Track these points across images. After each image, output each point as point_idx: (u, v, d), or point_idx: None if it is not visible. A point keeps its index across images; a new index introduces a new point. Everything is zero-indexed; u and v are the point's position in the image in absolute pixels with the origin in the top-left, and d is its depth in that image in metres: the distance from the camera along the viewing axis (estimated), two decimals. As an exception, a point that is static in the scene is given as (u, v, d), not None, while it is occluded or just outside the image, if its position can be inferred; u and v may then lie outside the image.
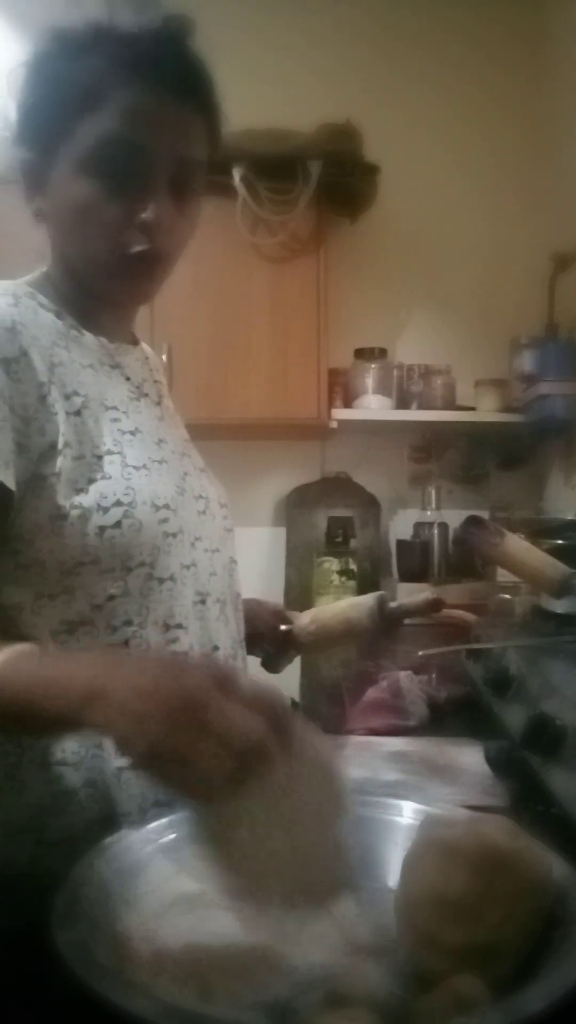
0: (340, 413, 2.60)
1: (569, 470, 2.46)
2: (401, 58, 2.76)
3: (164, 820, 0.71)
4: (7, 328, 0.81)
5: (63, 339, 0.87)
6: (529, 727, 0.99)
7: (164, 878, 0.63)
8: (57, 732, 0.78)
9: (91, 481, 0.83)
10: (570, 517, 2.09)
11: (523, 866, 0.57)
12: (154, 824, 0.70)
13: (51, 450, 0.81)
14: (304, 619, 1.17)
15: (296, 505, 2.83)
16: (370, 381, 2.64)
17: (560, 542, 1.61)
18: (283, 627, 1.17)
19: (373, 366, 2.64)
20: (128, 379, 0.95)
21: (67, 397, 0.84)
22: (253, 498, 2.78)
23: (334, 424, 2.58)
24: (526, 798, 0.91)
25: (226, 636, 0.99)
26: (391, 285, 2.79)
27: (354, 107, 2.56)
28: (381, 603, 1.13)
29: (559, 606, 1.53)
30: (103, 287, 0.90)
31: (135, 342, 1.01)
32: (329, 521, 2.69)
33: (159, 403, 1.00)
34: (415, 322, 2.82)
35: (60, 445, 0.82)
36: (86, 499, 0.82)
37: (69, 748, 0.85)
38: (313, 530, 2.77)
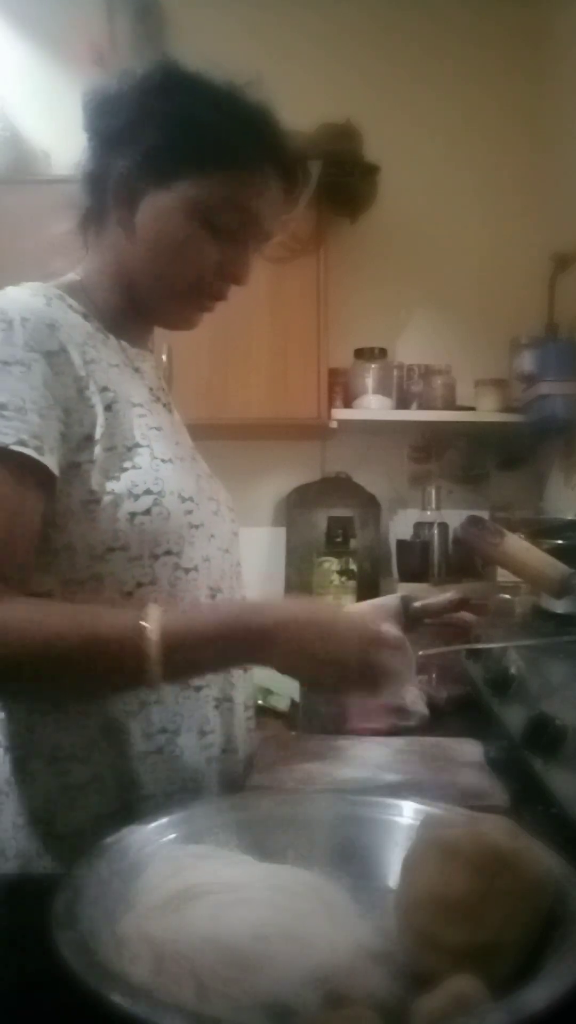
0: (340, 413, 2.60)
1: (569, 470, 2.46)
2: (401, 58, 2.76)
3: (164, 820, 0.71)
4: (47, 324, 0.84)
5: (91, 339, 0.91)
6: (529, 727, 0.99)
7: (164, 878, 0.63)
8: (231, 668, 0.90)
9: (123, 470, 0.87)
10: (570, 517, 2.09)
11: (523, 866, 0.57)
12: (154, 824, 0.70)
13: (87, 440, 0.86)
14: None
15: (296, 505, 2.83)
16: (370, 381, 2.64)
17: (560, 542, 1.61)
18: None
19: (373, 366, 2.64)
20: (145, 383, 0.99)
21: (101, 391, 0.88)
22: (253, 498, 2.78)
23: (334, 424, 2.58)
24: (526, 798, 0.91)
25: None
26: (391, 285, 2.79)
27: (354, 107, 2.56)
28: (406, 604, 1.15)
29: (559, 606, 1.53)
30: (165, 310, 0.97)
31: (150, 350, 1.05)
32: (329, 521, 2.69)
33: (170, 408, 1.04)
34: (415, 322, 2.82)
35: (96, 436, 0.86)
36: (118, 486, 0.86)
37: (76, 743, 0.87)
38: (313, 530, 2.77)
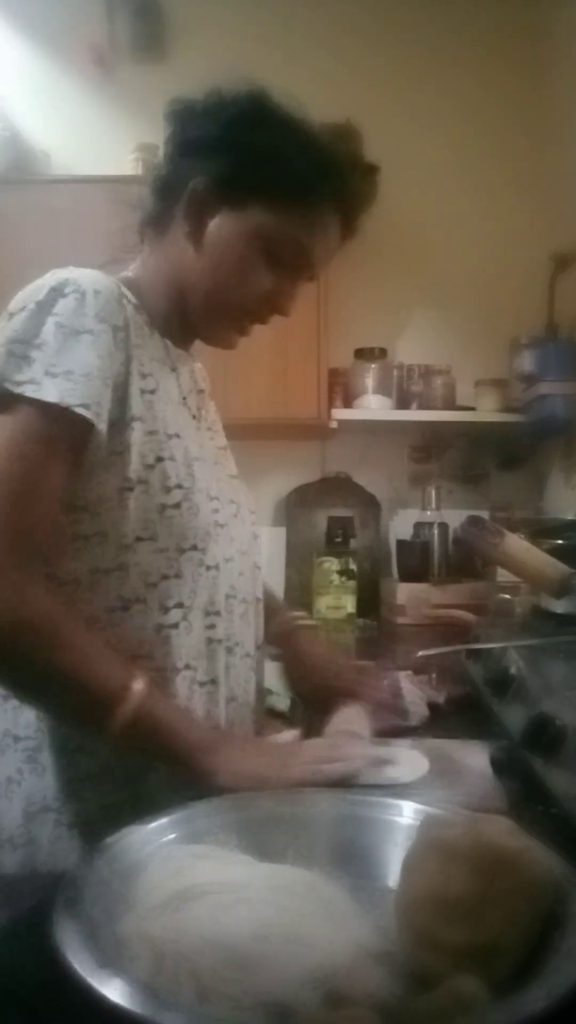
0: (340, 413, 2.60)
1: (569, 470, 2.46)
2: (401, 58, 2.76)
3: (164, 820, 0.71)
4: (116, 299, 0.88)
5: (141, 329, 0.94)
6: (529, 727, 0.99)
7: (164, 878, 0.63)
8: (170, 764, 0.88)
9: (159, 459, 0.90)
10: (570, 517, 2.09)
11: (523, 866, 0.57)
12: (154, 824, 0.70)
13: (120, 420, 0.88)
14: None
15: (296, 505, 2.83)
16: (370, 381, 2.64)
17: (560, 542, 1.61)
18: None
19: (373, 366, 2.64)
20: (179, 386, 1.01)
21: (143, 376, 0.91)
22: (253, 498, 2.77)
23: (334, 424, 2.58)
24: (526, 798, 0.91)
25: (248, 637, 1.04)
26: (391, 285, 2.79)
27: (354, 106, 2.56)
28: None
29: (559, 606, 1.53)
30: (209, 325, 1.00)
31: (191, 355, 1.08)
32: (329, 521, 2.69)
33: (198, 416, 1.05)
34: (415, 322, 2.83)
35: (128, 418, 0.88)
36: (153, 476, 0.89)
37: (87, 737, 0.89)
38: (313, 530, 2.77)
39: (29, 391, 0.81)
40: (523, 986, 0.50)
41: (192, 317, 0.99)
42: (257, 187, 0.92)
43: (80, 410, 0.81)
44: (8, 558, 0.79)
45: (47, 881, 0.59)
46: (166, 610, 0.91)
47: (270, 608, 1.16)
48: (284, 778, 0.80)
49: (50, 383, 0.81)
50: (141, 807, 0.85)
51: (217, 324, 1.00)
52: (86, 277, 0.87)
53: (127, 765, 0.90)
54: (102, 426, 0.84)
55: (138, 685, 0.82)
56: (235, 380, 2.45)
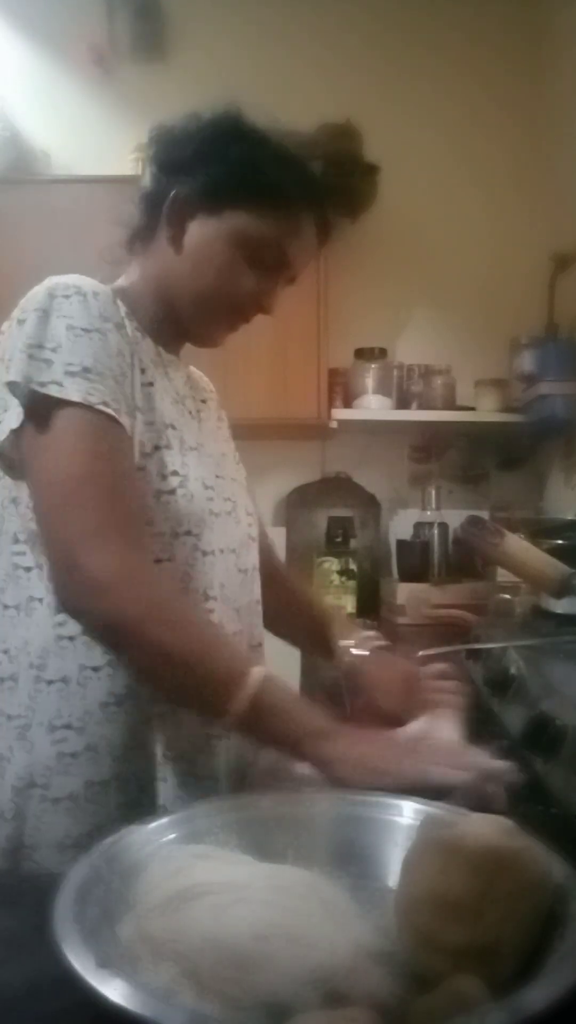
0: (340, 413, 2.60)
1: (569, 470, 2.46)
2: (401, 58, 2.76)
3: (164, 820, 0.71)
4: (109, 299, 0.94)
5: (132, 332, 0.97)
6: (529, 727, 0.99)
7: (164, 878, 0.63)
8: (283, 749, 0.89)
9: (156, 448, 0.94)
10: (570, 517, 2.09)
11: (523, 866, 0.57)
12: (154, 824, 0.70)
13: (134, 411, 0.92)
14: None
15: (296, 505, 2.83)
16: (370, 381, 2.64)
17: (560, 542, 1.61)
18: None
19: (373, 366, 2.64)
20: (173, 386, 1.04)
21: (142, 370, 0.96)
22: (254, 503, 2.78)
23: (334, 424, 2.58)
24: (526, 798, 0.91)
25: (240, 638, 1.04)
26: (391, 285, 2.79)
27: (354, 106, 2.56)
28: None
29: (559, 606, 1.53)
30: (200, 325, 1.04)
31: (181, 360, 1.11)
32: (329, 521, 2.69)
33: (196, 417, 1.08)
34: (415, 322, 2.83)
35: (132, 410, 0.92)
36: (150, 463, 0.93)
37: (74, 714, 0.92)
38: (313, 530, 2.77)
39: (55, 392, 0.86)
40: (523, 986, 0.50)
41: (180, 318, 1.03)
42: (233, 194, 0.97)
43: (102, 408, 0.87)
44: (123, 546, 0.85)
45: (47, 881, 0.59)
46: None
47: (322, 623, 1.20)
48: (400, 772, 0.79)
49: (71, 383, 0.86)
50: (127, 786, 0.92)
51: (204, 323, 1.04)
52: (83, 281, 0.93)
53: (113, 744, 0.92)
54: (124, 420, 0.89)
55: (257, 671, 0.85)
56: (235, 380, 2.44)
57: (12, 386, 0.87)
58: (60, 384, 0.86)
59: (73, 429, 0.87)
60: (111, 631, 0.87)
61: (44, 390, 0.86)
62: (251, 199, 0.97)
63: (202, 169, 0.98)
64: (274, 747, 0.90)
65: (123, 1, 2.73)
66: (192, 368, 1.16)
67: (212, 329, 1.05)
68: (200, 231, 0.99)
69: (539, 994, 0.48)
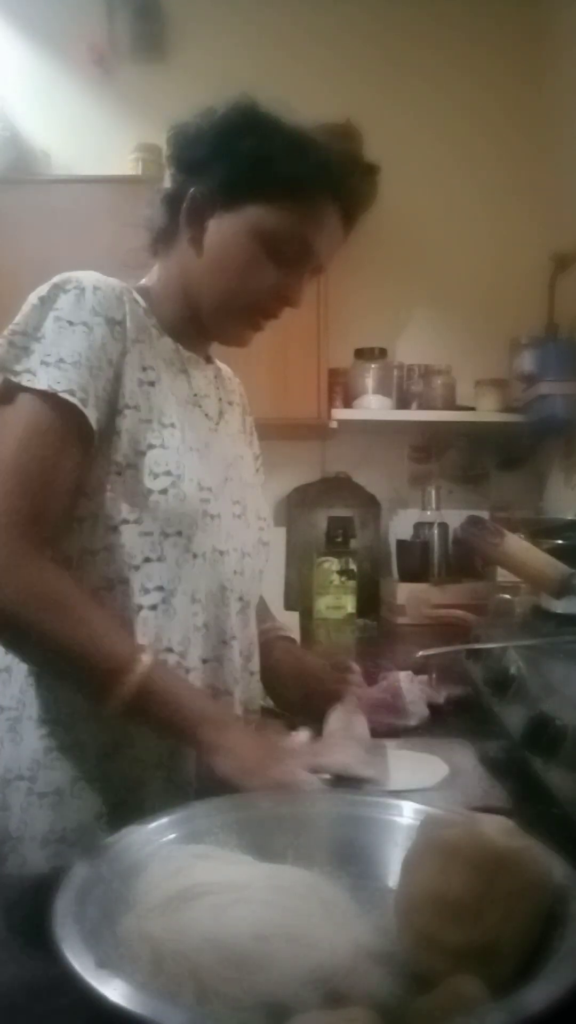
0: (340, 413, 2.60)
1: (569, 470, 2.46)
2: (401, 58, 2.76)
3: (164, 820, 0.71)
4: (117, 296, 0.94)
5: (147, 329, 0.98)
6: (529, 727, 0.99)
7: (164, 878, 0.63)
8: (173, 737, 0.92)
9: (150, 446, 0.93)
10: (570, 517, 2.09)
11: (523, 866, 0.57)
12: (154, 824, 0.70)
13: (112, 409, 0.92)
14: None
15: (296, 505, 2.83)
16: (370, 381, 2.64)
17: (560, 542, 1.61)
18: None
19: (373, 366, 2.64)
20: (191, 387, 1.04)
21: (143, 368, 0.95)
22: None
23: (334, 424, 2.58)
24: (526, 798, 0.91)
25: (243, 635, 1.06)
26: (391, 285, 2.79)
27: (354, 106, 2.56)
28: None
29: (559, 606, 1.53)
30: (224, 324, 1.03)
31: (208, 360, 1.11)
32: (329, 521, 2.69)
33: (215, 418, 1.08)
34: (415, 322, 2.83)
35: (121, 406, 0.92)
36: (142, 461, 0.92)
37: (62, 709, 0.93)
38: (313, 530, 2.77)
39: (25, 380, 0.87)
40: (523, 986, 0.50)
41: (203, 319, 1.02)
42: (249, 188, 0.96)
43: (66, 396, 0.86)
44: (20, 543, 0.85)
45: (47, 881, 0.59)
46: (146, 591, 0.95)
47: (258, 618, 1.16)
48: (263, 778, 0.81)
49: (43, 372, 0.87)
50: (113, 785, 0.92)
51: (227, 322, 1.03)
52: (89, 276, 0.93)
53: (100, 740, 0.93)
54: (89, 411, 0.88)
55: (146, 657, 0.86)
56: (235, 380, 2.45)
57: None
58: (33, 373, 0.87)
59: (25, 416, 0.87)
60: None
61: (16, 379, 0.87)
62: (268, 192, 0.96)
63: (217, 166, 0.97)
64: (164, 735, 0.92)
65: (123, 1, 2.73)
66: (225, 368, 1.16)
67: (237, 328, 1.04)
68: (219, 229, 0.97)
69: (539, 994, 0.48)
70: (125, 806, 0.92)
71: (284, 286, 1.00)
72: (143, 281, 1.04)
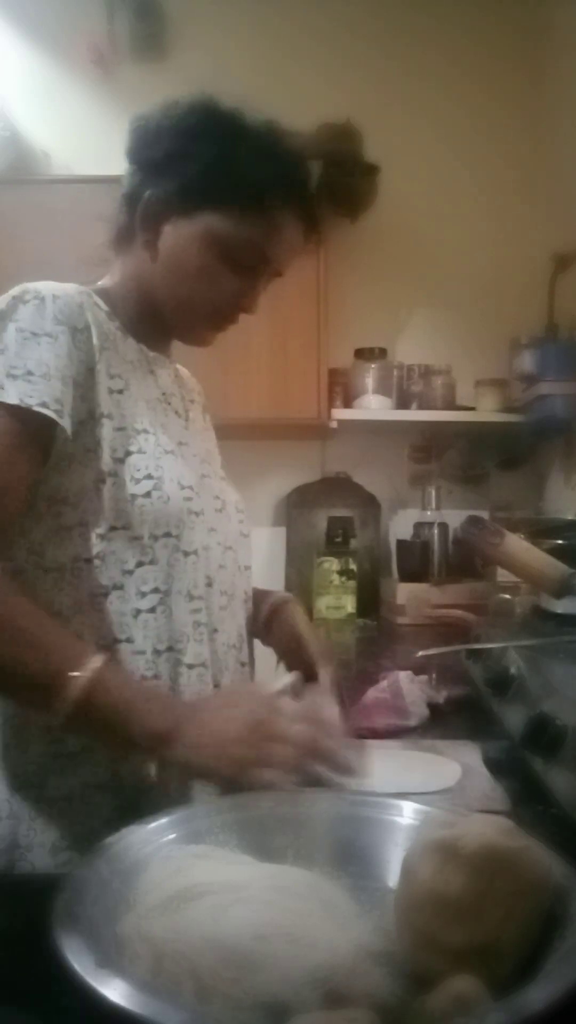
0: (340, 413, 2.60)
1: (569, 470, 2.46)
2: (402, 58, 2.76)
3: (164, 820, 0.71)
4: (78, 304, 0.92)
5: (111, 334, 0.97)
6: (529, 727, 0.99)
7: (164, 878, 0.63)
8: (132, 753, 0.87)
9: (128, 453, 0.93)
10: (570, 517, 2.09)
11: (523, 866, 0.57)
12: (154, 824, 0.70)
13: (89, 418, 0.92)
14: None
15: (296, 505, 2.83)
16: (370, 381, 2.63)
17: (560, 542, 1.61)
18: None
19: (373, 366, 2.64)
20: (158, 386, 1.05)
21: (111, 376, 0.94)
22: (253, 498, 2.78)
23: (334, 424, 2.58)
24: (526, 798, 0.91)
25: (231, 625, 1.06)
26: (391, 285, 2.79)
27: (354, 107, 2.56)
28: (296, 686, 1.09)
29: (559, 606, 1.53)
30: (183, 327, 1.04)
31: (169, 357, 1.11)
32: (329, 521, 2.69)
33: (184, 416, 1.09)
34: (415, 322, 2.82)
35: (97, 415, 0.92)
36: (122, 468, 0.92)
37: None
38: (313, 530, 2.77)
39: None
40: (523, 986, 0.50)
41: (163, 319, 1.03)
42: (204, 196, 0.95)
43: (40, 409, 0.85)
44: None
45: (47, 881, 0.59)
46: (143, 595, 0.94)
47: (257, 600, 1.17)
48: (240, 780, 0.77)
49: (11, 385, 0.85)
50: (123, 789, 0.92)
51: (186, 325, 1.04)
52: (47, 286, 0.92)
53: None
54: (65, 422, 0.87)
55: (93, 663, 0.80)
56: (235, 380, 2.45)
57: None
58: (1, 387, 0.85)
59: None
60: None
61: None
62: (223, 200, 0.95)
63: (173, 169, 0.95)
64: (113, 750, 0.88)
65: (123, 1, 2.73)
66: (180, 367, 1.15)
67: (196, 331, 1.04)
68: (175, 234, 0.97)
69: (539, 994, 0.48)
70: (136, 810, 0.91)
71: (240, 293, 0.99)
72: (104, 280, 1.03)
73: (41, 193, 2.47)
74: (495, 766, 1.01)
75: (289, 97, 2.60)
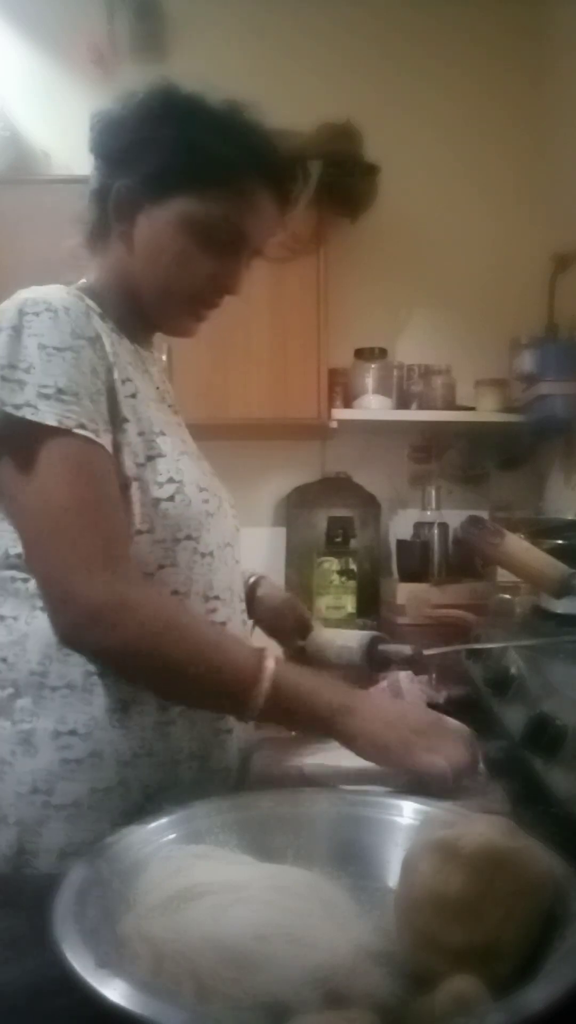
0: (340, 413, 2.60)
1: (569, 470, 2.46)
2: (401, 58, 2.76)
3: (164, 820, 0.71)
4: (83, 313, 0.91)
5: (109, 336, 0.96)
6: (529, 727, 0.99)
7: (164, 878, 0.63)
8: (311, 728, 0.94)
9: (149, 458, 0.94)
10: (570, 517, 2.09)
11: (523, 866, 0.57)
12: (154, 824, 0.70)
13: (121, 423, 0.92)
14: (312, 637, 1.25)
15: (296, 505, 2.83)
16: (370, 381, 2.63)
17: (560, 542, 1.61)
18: (299, 642, 1.25)
19: (373, 366, 2.64)
20: (154, 383, 1.05)
21: (123, 381, 0.95)
22: (253, 498, 2.78)
23: (334, 424, 2.58)
24: (526, 798, 0.91)
25: (236, 620, 1.06)
26: (391, 285, 2.79)
27: (354, 106, 2.56)
28: (373, 644, 1.20)
29: (559, 606, 1.53)
30: (166, 318, 1.03)
31: (152, 352, 1.10)
32: (329, 521, 2.69)
33: (172, 405, 1.09)
34: (415, 322, 2.82)
35: (119, 421, 0.92)
36: (145, 472, 0.93)
37: (79, 720, 0.91)
38: (313, 530, 2.77)
39: (29, 415, 0.85)
40: (523, 986, 0.50)
41: (147, 313, 1.02)
42: (173, 179, 0.94)
43: (79, 431, 0.86)
44: (110, 573, 0.86)
45: (47, 881, 0.59)
46: None
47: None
48: (407, 760, 0.84)
49: (45, 405, 0.85)
50: (131, 793, 0.91)
51: (169, 316, 1.03)
52: (53, 295, 0.90)
53: (120, 750, 0.92)
54: (102, 439, 0.88)
55: (268, 664, 0.87)
56: (235, 380, 2.45)
57: None
58: (35, 407, 0.85)
59: (53, 457, 0.86)
60: (113, 659, 0.89)
61: (19, 413, 0.84)
62: (193, 181, 0.94)
63: (139, 157, 0.95)
64: (302, 731, 0.95)
65: (123, 1, 2.73)
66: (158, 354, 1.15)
67: (178, 319, 1.03)
68: (149, 223, 0.96)
69: (539, 994, 0.48)
70: (143, 812, 0.91)
71: (221, 275, 0.99)
72: (83, 280, 1.02)
73: (41, 193, 2.46)
74: (495, 766, 1.01)
75: (289, 97, 2.59)
